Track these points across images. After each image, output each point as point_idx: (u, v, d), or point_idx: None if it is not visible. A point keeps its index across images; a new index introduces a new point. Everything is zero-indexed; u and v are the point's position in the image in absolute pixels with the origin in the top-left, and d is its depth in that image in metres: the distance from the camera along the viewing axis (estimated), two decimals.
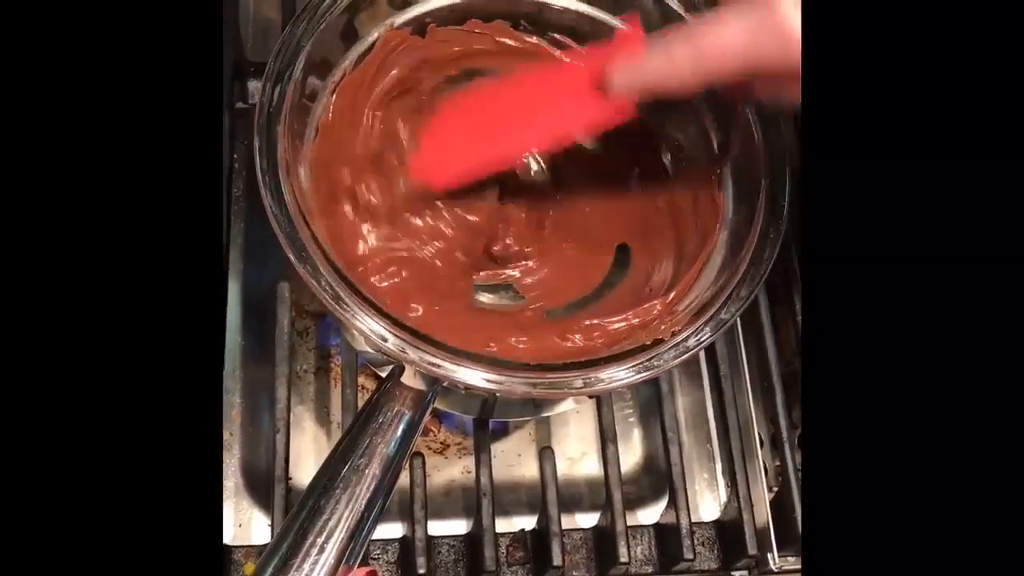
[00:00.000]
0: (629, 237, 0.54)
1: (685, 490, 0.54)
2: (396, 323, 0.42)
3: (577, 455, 0.62)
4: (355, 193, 0.50)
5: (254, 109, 0.63)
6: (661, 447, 0.56)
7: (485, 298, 0.53)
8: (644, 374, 0.44)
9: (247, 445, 0.60)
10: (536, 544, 0.55)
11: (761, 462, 0.56)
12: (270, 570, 0.37)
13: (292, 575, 0.37)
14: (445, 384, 0.43)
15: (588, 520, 0.58)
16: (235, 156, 0.63)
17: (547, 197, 0.55)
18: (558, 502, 0.53)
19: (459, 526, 0.58)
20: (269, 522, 0.54)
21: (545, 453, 0.54)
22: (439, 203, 0.52)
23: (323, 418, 0.62)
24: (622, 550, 0.52)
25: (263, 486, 0.58)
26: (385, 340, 0.41)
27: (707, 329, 0.45)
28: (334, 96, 0.50)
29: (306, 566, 0.37)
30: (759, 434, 0.58)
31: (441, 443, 0.61)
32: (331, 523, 0.38)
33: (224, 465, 0.59)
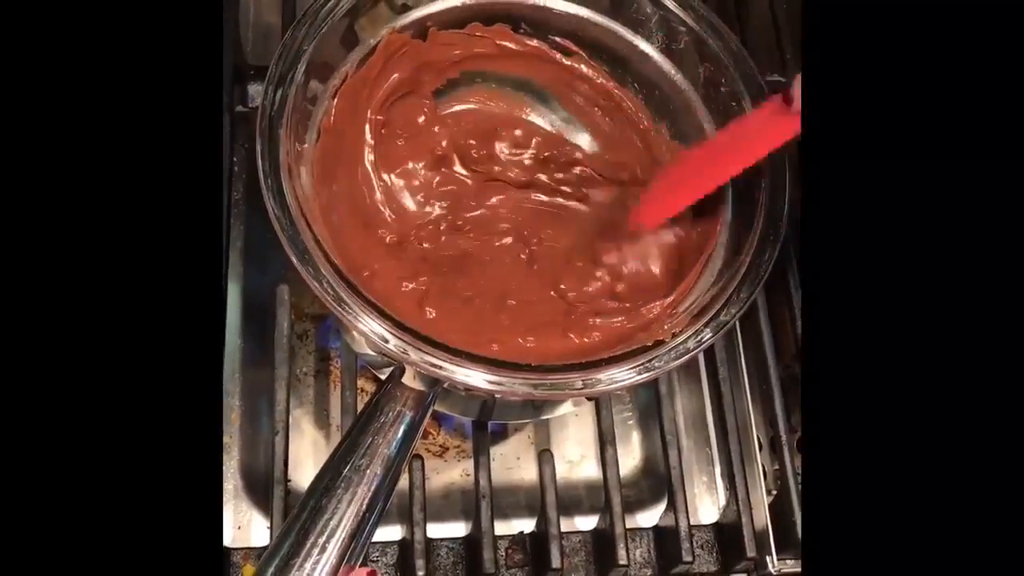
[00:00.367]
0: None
1: (684, 493, 0.54)
2: (397, 324, 0.42)
3: (576, 458, 0.62)
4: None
5: (254, 113, 0.63)
6: (660, 450, 0.56)
7: None
8: (645, 375, 0.44)
9: (246, 448, 0.60)
10: (535, 547, 0.55)
11: (760, 465, 0.57)
12: (271, 570, 0.37)
13: (294, 574, 0.37)
14: (446, 385, 0.43)
15: (587, 523, 0.58)
16: (235, 159, 0.63)
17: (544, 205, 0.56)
18: (557, 504, 0.53)
19: (458, 529, 0.58)
20: (268, 524, 0.54)
21: (544, 456, 0.54)
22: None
23: (322, 421, 0.62)
24: (621, 553, 0.52)
25: (262, 489, 0.58)
26: (386, 341, 0.41)
27: (707, 331, 0.45)
28: (336, 99, 0.50)
29: (307, 565, 0.37)
30: (758, 438, 0.58)
31: (440, 446, 0.61)
32: (332, 523, 0.38)
33: (223, 468, 0.59)
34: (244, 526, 0.58)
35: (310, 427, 0.62)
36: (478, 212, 0.55)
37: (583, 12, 0.54)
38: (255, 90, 0.65)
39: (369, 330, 0.41)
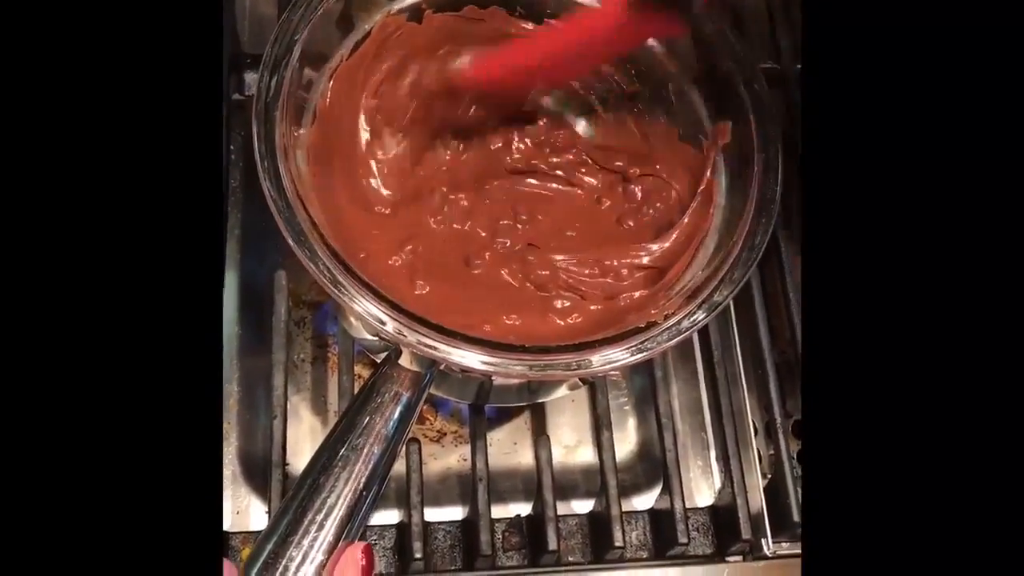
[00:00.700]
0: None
1: (679, 475, 0.54)
2: (394, 306, 0.42)
3: (572, 443, 0.63)
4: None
5: (250, 100, 0.64)
6: (656, 435, 0.56)
7: None
8: (638, 356, 0.44)
9: (244, 434, 0.60)
10: (531, 530, 0.55)
11: (755, 449, 0.57)
12: (270, 546, 0.37)
13: (292, 551, 0.37)
14: (442, 367, 0.44)
15: (583, 507, 0.58)
16: (231, 147, 0.63)
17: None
18: (553, 487, 0.53)
19: (455, 513, 0.58)
20: (266, 509, 0.54)
21: (541, 440, 0.55)
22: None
23: (320, 407, 0.62)
24: (617, 534, 0.52)
25: (260, 474, 0.59)
26: (383, 323, 0.42)
27: (700, 312, 0.45)
28: (331, 82, 0.50)
29: (305, 543, 0.37)
30: (753, 422, 0.58)
31: (437, 431, 0.62)
32: (330, 501, 0.39)
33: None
34: (242, 511, 0.58)
35: (307, 413, 0.62)
36: (473, 194, 0.56)
37: None
38: (251, 78, 0.65)
39: (365, 312, 0.42)
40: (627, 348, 0.44)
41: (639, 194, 0.56)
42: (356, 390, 0.54)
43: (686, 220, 0.52)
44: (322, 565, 0.37)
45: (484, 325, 0.48)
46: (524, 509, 0.57)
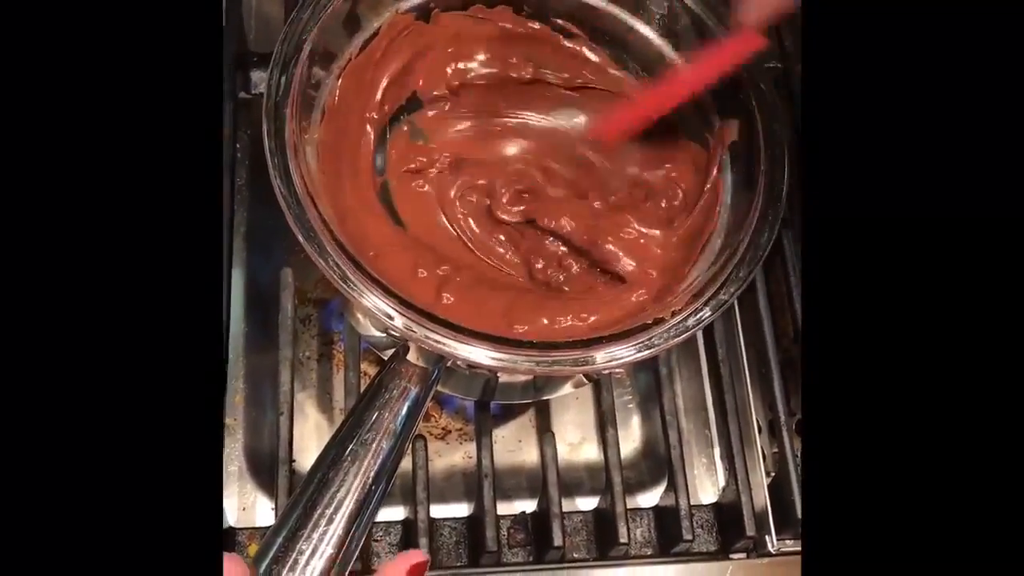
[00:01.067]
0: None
1: (684, 473, 0.54)
2: (402, 301, 0.42)
3: (577, 440, 0.63)
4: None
5: (257, 100, 0.64)
6: (660, 433, 0.57)
7: None
8: (644, 352, 0.44)
9: (250, 431, 0.60)
10: (537, 526, 0.55)
11: (759, 447, 0.57)
12: (280, 540, 0.37)
13: (301, 545, 0.37)
14: (450, 363, 0.44)
15: (588, 504, 0.58)
16: (238, 146, 0.64)
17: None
18: (559, 484, 0.53)
19: (461, 509, 0.58)
20: (272, 505, 0.54)
21: (546, 437, 0.55)
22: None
23: (326, 404, 0.62)
24: (622, 531, 0.52)
25: (266, 470, 0.59)
26: (391, 319, 0.42)
27: (706, 309, 0.45)
28: (340, 79, 0.50)
29: (315, 536, 0.38)
30: (757, 421, 0.59)
31: (443, 429, 0.62)
32: (339, 495, 0.39)
33: (227, 450, 0.59)
34: (248, 507, 0.58)
35: (313, 410, 0.62)
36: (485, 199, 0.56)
37: None
38: (258, 77, 0.65)
39: (374, 307, 0.42)
40: (633, 345, 0.44)
41: (646, 193, 0.56)
42: (362, 387, 0.54)
43: (691, 218, 0.52)
44: (332, 559, 0.38)
45: (491, 321, 0.48)
46: (529, 506, 0.57)
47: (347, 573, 0.39)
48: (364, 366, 0.62)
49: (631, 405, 0.64)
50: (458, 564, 0.54)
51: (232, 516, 0.57)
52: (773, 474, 0.57)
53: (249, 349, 0.62)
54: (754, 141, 0.50)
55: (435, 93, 0.56)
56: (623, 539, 0.52)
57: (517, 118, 0.58)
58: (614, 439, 0.55)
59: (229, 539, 0.54)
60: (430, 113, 0.57)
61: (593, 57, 0.56)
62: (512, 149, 0.57)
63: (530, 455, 0.62)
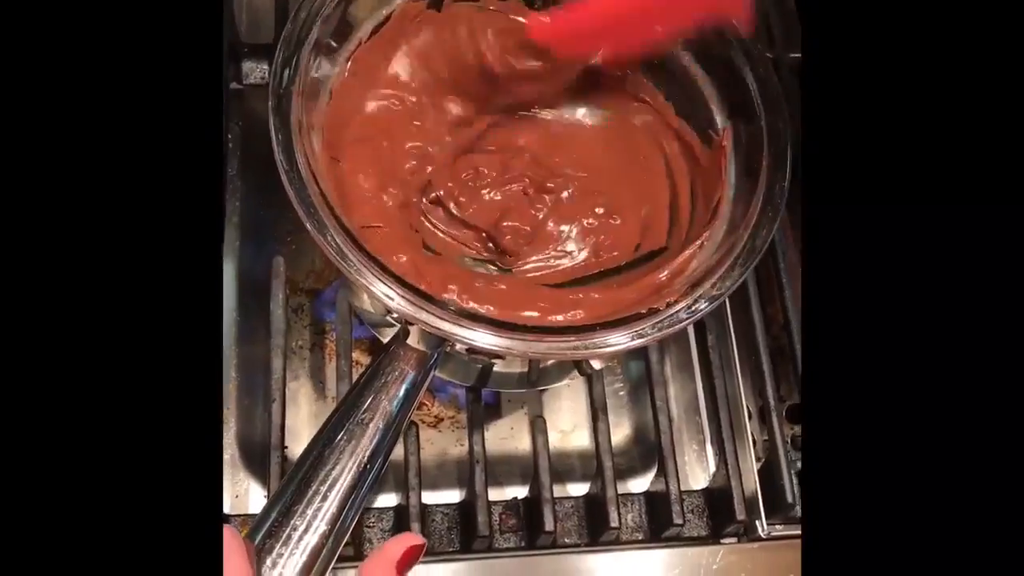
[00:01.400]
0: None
1: (674, 458, 0.55)
2: (402, 283, 0.42)
3: (569, 428, 0.63)
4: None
5: (249, 90, 0.65)
6: (651, 421, 0.57)
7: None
8: (637, 341, 0.44)
9: (243, 419, 0.60)
10: (528, 511, 0.56)
11: (749, 433, 0.58)
12: (274, 515, 0.38)
13: (295, 520, 0.37)
14: (448, 348, 0.44)
15: (580, 490, 0.59)
16: (229, 136, 0.64)
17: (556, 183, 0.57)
18: (550, 469, 0.54)
19: (453, 496, 0.58)
20: (265, 493, 0.55)
21: (537, 423, 0.55)
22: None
23: (318, 393, 0.62)
24: (612, 515, 0.53)
25: (259, 459, 0.59)
26: (391, 299, 0.42)
27: (701, 302, 0.46)
28: (348, 63, 0.51)
29: (309, 512, 0.38)
30: (747, 407, 0.59)
31: (435, 417, 0.62)
32: (334, 473, 0.39)
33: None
34: (241, 495, 0.58)
35: (306, 399, 0.62)
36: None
37: None
38: (249, 67, 0.65)
39: (372, 287, 0.42)
40: (627, 333, 0.44)
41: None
42: (354, 376, 0.54)
43: (694, 214, 0.53)
44: (325, 535, 0.38)
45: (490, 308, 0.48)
46: (521, 492, 0.57)
47: (339, 552, 0.39)
48: (356, 355, 0.62)
49: (622, 393, 0.65)
50: (450, 550, 0.55)
51: (226, 503, 0.57)
52: (763, 459, 0.58)
53: (241, 338, 0.62)
54: (757, 137, 0.50)
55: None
56: (614, 524, 0.53)
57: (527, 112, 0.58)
58: (605, 425, 0.55)
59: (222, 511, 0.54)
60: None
61: None
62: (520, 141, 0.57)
63: (522, 442, 0.62)
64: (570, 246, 0.56)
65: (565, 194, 0.55)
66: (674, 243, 0.53)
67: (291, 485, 0.39)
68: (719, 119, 0.53)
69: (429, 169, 0.55)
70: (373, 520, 0.55)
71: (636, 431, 0.64)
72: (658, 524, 0.56)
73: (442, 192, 0.53)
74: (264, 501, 0.56)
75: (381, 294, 0.42)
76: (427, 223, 0.54)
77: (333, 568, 0.40)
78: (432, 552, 0.55)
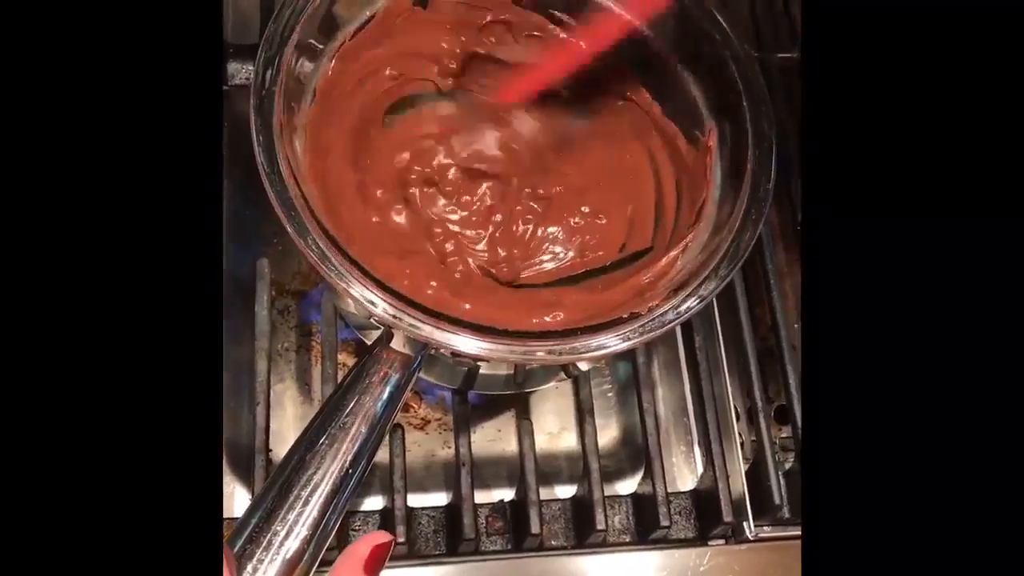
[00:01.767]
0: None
1: (661, 460, 0.55)
2: (384, 287, 0.42)
3: (556, 430, 0.63)
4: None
5: (233, 91, 0.64)
6: (638, 423, 0.57)
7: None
8: (624, 344, 0.44)
9: (228, 422, 0.60)
10: (515, 514, 0.55)
11: (737, 435, 0.58)
12: (255, 520, 0.37)
13: (276, 526, 0.37)
14: (432, 351, 0.44)
15: (567, 492, 0.58)
16: None
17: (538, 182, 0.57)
18: (536, 471, 0.53)
19: (439, 499, 0.58)
20: (250, 496, 0.54)
21: (524, 425, 0.55)
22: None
23: (304, 395, 0.62)
24: (599, 517, 0.52)
25: (244, 462, 0.58)
26: (374, 304, 0.42)
27: (686, 304, 0.45)
28: (333, 62, 0.50)
29: (291, 517, 0.38)
30: (735, 408, 0.59)
31: (422, 419, 0.62)
32: (316, 478, 0.39)
33: None
34: (226, 497, 0.58)
35: (291, 402, 0.62)
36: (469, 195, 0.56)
37: None
38: (234, 68, 0.65)
39: (352, 290, 0.42)
40: (613, 335, 0.44)
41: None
42: (340, 379, 0.54)
43: (679, 215, 0.53)
44: (306, 540, 0.37)
45: (472, 310, 0.48)
46: (508, 495, 0.57)
47: (322, 556, 0.39)
48: (342, 357, 0.61)
49: (610, 394, 0.65)
50: (436, 553, 0.54)
51: None
52: (751, 461, 0.57)
53: (227, 340, 0.61)
54: (743, 139, 0.50)
55: (428, 79, 0.56)
56: (600, 526, 0.52)
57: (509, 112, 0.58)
58: (592, 426, 0.55)
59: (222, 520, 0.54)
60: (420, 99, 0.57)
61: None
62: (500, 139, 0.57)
63: (510, 444, 0.62)
64: (557, 247, 0.56)
65: (555, 190, 0.55)
66: (659, 244, 0.53)
67: (272, 490, 0.38)
68: (705, 119, 0.53)
69: (417, 168, 0.55)
70: (359, 523, 0.55)
71: (624, 433, 0.64)
72: (645, 526, 0.56)
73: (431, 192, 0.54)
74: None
75: (362, 298, 0.41)
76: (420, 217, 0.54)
77: (316, 572, 0.40)
78: (418, 555, 0.54)
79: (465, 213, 0.55)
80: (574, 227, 0.54)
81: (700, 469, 0.61)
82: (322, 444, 0.40)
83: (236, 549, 0.36)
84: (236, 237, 0.64)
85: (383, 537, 0.38)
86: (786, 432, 0.62)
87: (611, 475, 0.61)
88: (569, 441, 0.63)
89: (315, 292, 0.64)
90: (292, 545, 0.37)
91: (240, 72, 0.65)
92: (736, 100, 0.51)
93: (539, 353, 0.43)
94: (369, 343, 0.46)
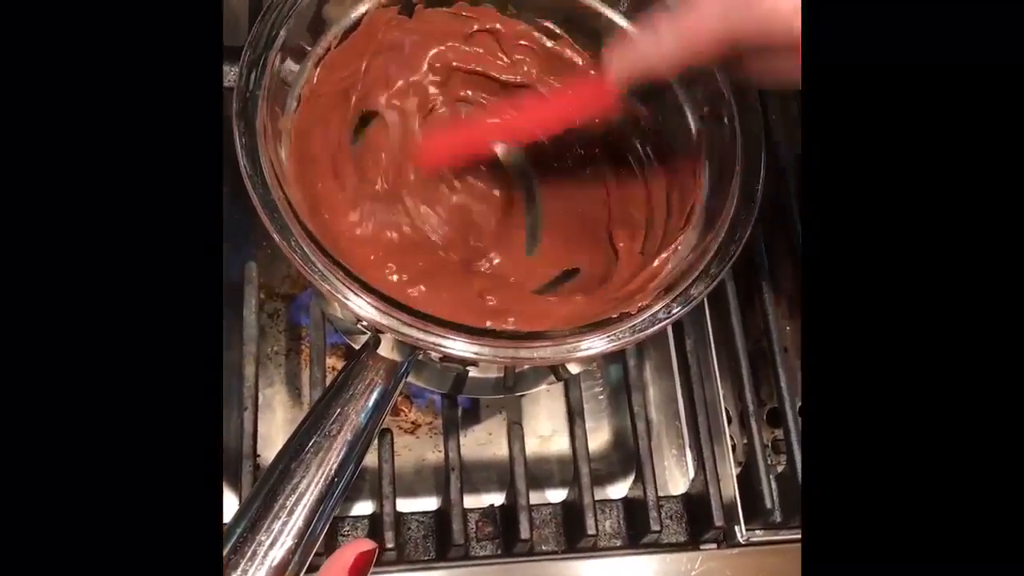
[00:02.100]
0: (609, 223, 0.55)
1: (652, 464, 0.54)
2: (369, 289, 0.42)
3: (547, 433, 0.63)
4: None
5: (223, 93, 0.64)
6: (630, 426, 0.56)
7: None
8: (612, 345, 0.44)
9: None
10: (505, 519, 0.55)
11: (728, 438, 0.57)
12: (239, 530, 0.37)
13: (261, 536, 0.37)
14: (420, 356, 0.43)
15: (557, 496, 0.58)
16: None
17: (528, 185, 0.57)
18: (526, 476, 0.53)
19: (429, 504, 0.58)
20: (238, 501, 0.54)
21: (514, 429, 0.54)
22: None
23: (293, 400, 0.62)
24: (590, 522, 0.52)
25: (232, 467, 0.58)
26: (360, 308, 0.41)
27: (676, 304, 0.45)
28: (317, 69, 0.50)
29: (276, 527, 0.37)
30: (727, 411, 0.59)
31: (412, 423, 0.62)
32: (301, 487, 0.38)
33: None
34: None
35: (281, 406, 0.62)
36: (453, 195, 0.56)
37: None
38: (224, 70, 0.64)
39: (341, 296, 0.41)
40: (602, 337, 0.44)
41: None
42: (329, 383, 0.53)
43: (669, 216, 0.52)
44: (291, 550, 0.37)
45: (461, 314, 0.48)
46: (499, 499, 0.57)
47: (308, 564, 0.39)
48: (332, 361, 0.61)
49: (601, 397, 0.64)
50: (426, 558, 0.54)
51: None
52: (742, 464, 0.57)
53: None
54: (731, 141, 0.49)
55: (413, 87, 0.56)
56: (591, 531, 0.52)
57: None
58: (582, 431, 0.55)
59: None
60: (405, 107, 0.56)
61: (577, 59, 0.56)
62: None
63: (500, 448, 0.62)
64: (549, 255, 0.55)
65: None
66: (649, 247, 0.53)
67: (257, 499, 0.38)
68: (693, 122, 0.52)
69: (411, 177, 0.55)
70: (348, 529, 0.54)
71: (615, 436, 0.63)
72: (636, 530, 0.55)
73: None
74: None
75: (348, 302, 0.41)
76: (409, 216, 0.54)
77: None
78: (407, 560, 0.54)
79: (448, 216, 0.55)
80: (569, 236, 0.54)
81: (691, 473, 0.60)
82: (308, 452, 0.39)
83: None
84: (225, 241, 0.63)
85: (367, 545, 0.37)
86: (778, 435, 0.62)
87: (602, 479, 0.60)
88: (560, 445, 0.62)
89: (304, 296, 0.64)
90: (277, 554, 0.37)
91: (229, 74, 0.64)
92: (725, 102, 0.50)
93: (528, 354, 0.43)
94: (357, 348, 0.46)
